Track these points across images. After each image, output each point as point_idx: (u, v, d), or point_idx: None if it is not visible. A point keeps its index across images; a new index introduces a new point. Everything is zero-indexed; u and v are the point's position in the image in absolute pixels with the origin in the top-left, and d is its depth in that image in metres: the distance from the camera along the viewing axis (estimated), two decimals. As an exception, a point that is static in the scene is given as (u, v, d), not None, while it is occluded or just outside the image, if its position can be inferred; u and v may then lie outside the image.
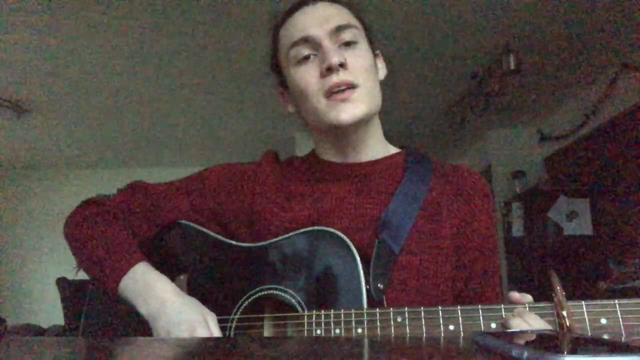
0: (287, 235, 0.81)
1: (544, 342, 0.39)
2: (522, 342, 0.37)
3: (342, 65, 0.78)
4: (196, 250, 0.90)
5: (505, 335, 0.42)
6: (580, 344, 0.37)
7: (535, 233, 3.75)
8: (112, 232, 0.85)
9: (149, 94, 3.63)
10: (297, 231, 0.81)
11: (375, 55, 0.89)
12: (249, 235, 0.88)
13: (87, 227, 0.87)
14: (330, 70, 0.78)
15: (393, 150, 0.94)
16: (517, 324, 0.64)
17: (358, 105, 0.80)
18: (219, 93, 3.63)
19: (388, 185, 0.86)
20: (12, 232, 5.30)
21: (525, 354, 0.32)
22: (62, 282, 3.00)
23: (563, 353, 0.31)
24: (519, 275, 3.95)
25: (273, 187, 0.91)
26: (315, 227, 0.80)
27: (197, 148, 4.91)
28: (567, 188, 3.58)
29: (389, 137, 0.94)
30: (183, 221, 0.91)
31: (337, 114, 0.79)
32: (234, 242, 0.87)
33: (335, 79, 0.78)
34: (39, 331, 4.12)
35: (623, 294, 2.86)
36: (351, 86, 0.79)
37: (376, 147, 0.89)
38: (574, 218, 3.42)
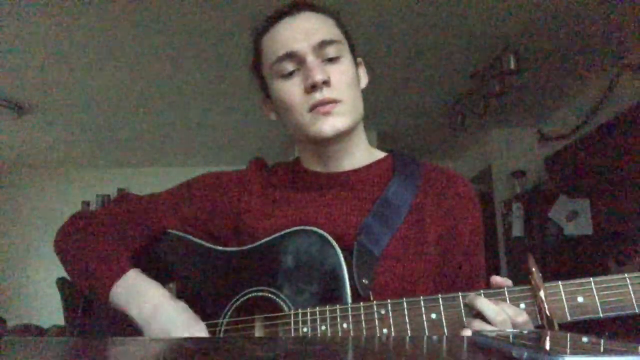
0: (270, 238, 0.83)
1: (544, 342, 0.39)
2: (522, 342, 0.37)
3: (325, 83, 0.80)
4: (183, 258, 0.91)
5: (505, 335, 0.42)
6: (580, 344, 0.37)
7: (535, 233, 3.75)
8: (101, 242, 0.86)
9: (149, 94, 3.63)
10: (280, 232, 0.82)
11: (357, 65, 0.90)
12: (235, 242, 0.90)
13: (77, 239, 0.88)
14: (314, 87, 0.79)
15: (379, 155, 0.94)
16: (483, 304, 0.66)
17: (340, 119, 0.81)
18: (219, 93, 3.63)
19: (372, 191, 0.87)
20: (12, 232, 5.30)
21: (525, 354, 0.32)
22: (62, 282, 2.99)
23: (563, 353, 0.31)
24: (519, 276, 3.96)
25: (258, 195, 0.92)
26: (298, 227, 0.81)
27: (197, 148, 4.91)
28: (567, 188, 3.58)
29: (385, 138, 0.95)
30: (170, 230, 0.92)
31: (319, 127, 0.81)
32: (220, 248, 0.88)
33: (319, 96, 0.80)
34: (39, 331, 4.12)
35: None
36: (334, 101, 0.81)
37: (359, 155, 0.90)
38: (574, 218, 3.42)
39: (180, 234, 0.92)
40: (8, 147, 4.70)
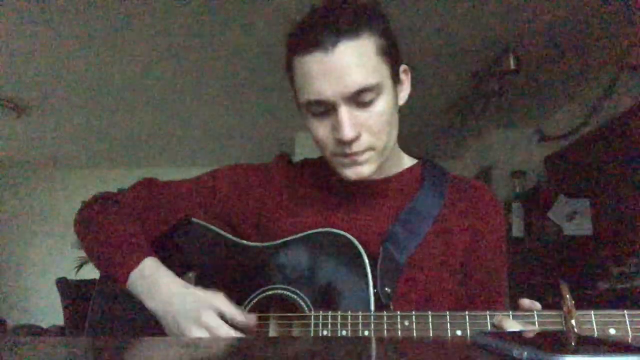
0: (296, 236, 0.82)
1: (544, 342, 0.39)
2: (522, 342, 0.37)
3: (356, 138, 0.75)
4: (205, 248, 0.90)
5: (505, 335, 0.42)
6: (580, 344, 0.37)
7: (535, 233, 3.75)
8: (122, 226, 0.85)
9: (149, 94, 3.63)
10: (307, 232, 0.81)
11: (400, 79, 0.82)
12: (256, 236, 0.89)
13: (97, 221, 0.88)
14: (343, 142, 0.76)
15: (408, 162, 0.93)
16: (511, 326, 0.65)
17: (366, 167, 0.79)
18: (219, 93, 3.63)
19: (400, 199, 0.86)
20: (12, 232, 5.30)
21: (525, 354, 0.32)
22: (62, 282, 2.99)
23: (563, 353, 0.31)
24: (519, 276, 3.95)
25: (283, 191, 0.92)
26: (325, 229, 0.80)
27: (197, 148, 4.91)
28: (567, 188, 3.58)
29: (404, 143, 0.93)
30: (194, 219, 0.92)
31: (344, 172, 0.80)
32: (243, 241, 0.88)
33: (347, 150, 0.76)
34: (39, 331, 4.12)
35: (623, 294, 2.86)
36: (363, 152, 0.78)
37: (389, 165, 0.88)
38: (574, 218, 3.42)
39: (205, 223, 0.91)
40: (8, 147, 4.70)
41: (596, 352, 0.32)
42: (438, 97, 3.67)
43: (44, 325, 4.37)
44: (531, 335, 0.42)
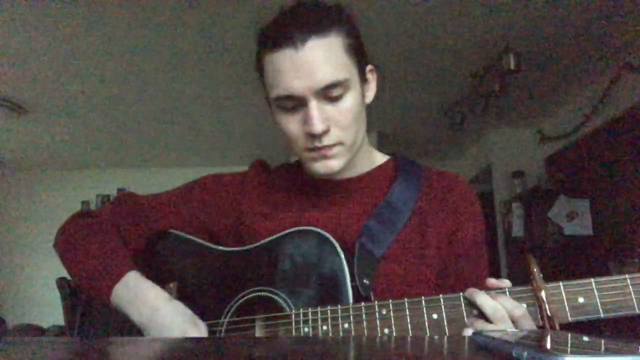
0: (271, 238, 0.83)
1: (544, 342, 0.39)
2: (522, 342, 0.37)
3: (325, 132, 0.77)
4: (184, 258, 0.91)
5: (505, 335, 0.42)
6: (580, 344, 0.37)
7: (535, 233, 3.75)
8: (102, 242, 0.86)
9: (150, 95, 3.63)
10: (282, 232, 0.82)
11: (366, 78, 0.84)
12: (236, 243, 0.90)
13: (78, 238, 0.88)
14: (313, 136, 0.78)
15: (380, 160, 0.94)
16: (483, 299, 0.66)
17: (336, 161, 0.81)
18: (219, 93, 3.63)
19: (374, 196, 0.87)
20: (12, 232, 5.30)
21: (525, 354, 0.32)
22: (62, 282, 3.00)
23: (563, 353, 0.31)
24: (519, 276, 3.96)
25: (259, 197, 0.93)
26: (299, 228, 0.81)
27: (197, 148, 4.91)
28: (567, 188, 3.58)
29: (385, 138, 0.94)
30: (171, 230, 0.92)
31: (314, 167, 0.81)
32: (221, 248, 0.89)
33: (317, 143, 0.78)
34: (39, 331, 4.12)
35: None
36: (333, 146, 0.79)
37: (361, 163, 0.90)
38: (574, 218, 3.42)
39: (182, 234, 0.92)
40: (8, 147, 4.70)
41: (596, 352, 0.32)
42: (438, 97, 3.67)
43: (44, 325, 4.37)
44: (531, 335, 0.43)
